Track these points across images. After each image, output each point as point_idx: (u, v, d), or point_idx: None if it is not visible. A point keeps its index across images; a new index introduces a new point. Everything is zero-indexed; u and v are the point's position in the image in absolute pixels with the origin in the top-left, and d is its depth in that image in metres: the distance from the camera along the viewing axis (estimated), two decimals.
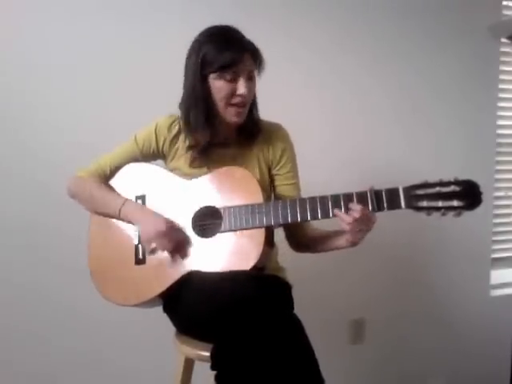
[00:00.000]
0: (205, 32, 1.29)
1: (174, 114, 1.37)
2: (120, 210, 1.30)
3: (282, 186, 1.39)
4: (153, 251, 1.28)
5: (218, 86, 1.26)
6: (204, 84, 1.27)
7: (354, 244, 1.24)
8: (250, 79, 1.28)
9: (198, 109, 1.29)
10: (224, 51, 1.23)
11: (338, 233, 1.28)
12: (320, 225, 1.35)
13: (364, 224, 1.17)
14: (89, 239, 1.37)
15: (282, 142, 1.39)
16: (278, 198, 1.40)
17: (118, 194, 1.35)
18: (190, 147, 1.34)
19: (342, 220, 1.18)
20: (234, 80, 1.25)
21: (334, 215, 1.19)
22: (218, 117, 1.31)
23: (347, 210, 1.18)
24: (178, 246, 1.27)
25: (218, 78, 1.25)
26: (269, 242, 1.28)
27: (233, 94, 1.26)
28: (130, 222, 1.32)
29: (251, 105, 1.35)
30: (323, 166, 1.97)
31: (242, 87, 1.25)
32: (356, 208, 1.16)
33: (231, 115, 1.29)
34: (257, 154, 1.37)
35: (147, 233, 1.26)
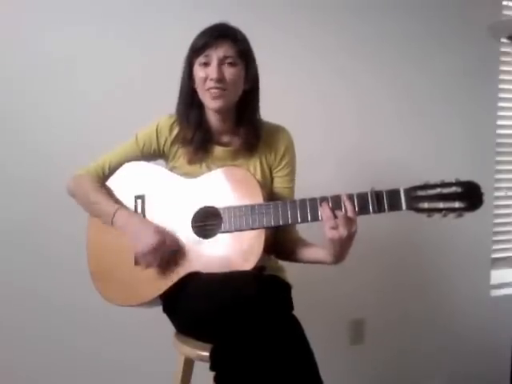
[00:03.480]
0: None
1: (174, 114, 1.37)
2: (112, 222, 1.29)
3: (278, 189, 1.39)
4: (147, 267, 1.26)
5: (196, 71, 1.28)
6: (190, 73, 1.30)
7: (336, 258, 1.22)
8: (230, 65, 1.26)
9: (182, 97, 1.33)
10: (201, 36, 1.27)
11: (321, 245, 1.26)
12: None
13: (340, 224, 1.13)
14: (88, 240, 1.37)
15: (285, 145, 1.38)
16: (272, 199, 1.39)
17: (111, 201, 1.33)
18: (182, 141, 1.34)
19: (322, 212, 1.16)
20: (207, 64, 1.26)
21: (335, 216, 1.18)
22: (206, 108, 1.32)
23: (346, 210, 1.16)
24: (170, 257, 1.26)
25: (196, 62, 1.28)
26: (269, 243, 1.28)
27: (206, 78, 1.26)
28: (121, 231, 1.29)
29: (251, 109, 1.34)
30: (323, 166, 1.97)
31: (212, 71, 1.25)
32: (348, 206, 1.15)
33: (207, 99, 1.28)
34: (259, 155, 1.37)
35: (137, 249, 1.25)
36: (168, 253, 1.25)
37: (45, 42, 1.68)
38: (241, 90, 1.31)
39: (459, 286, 2.26)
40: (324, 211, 1.16)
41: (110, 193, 1.36)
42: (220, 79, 1.25)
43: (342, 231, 1.13)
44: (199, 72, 1.27)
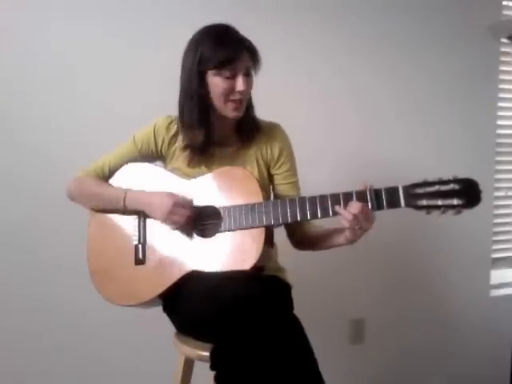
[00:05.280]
0: (202, 30, 1.29)
1: (171, 114, 1.37)
2: (125, 199, 1.30)
3: (281, 186, 1.39)
4: (176, 224, 1.27)
5: (216, 82, 1.27)
6: (201, 81, 1.28)
7: (352, 242, 1.24)
8: (248, 75, 1.29)
9: (193, 105, 1.30)
10: (222, 48, 1.25)
11: (338, 230, 1.28)
12: (320, 222, 1.35)
13: (363, 221, 1.17)
14: (88, 240, 1.37)
15: (280, 141, 1.39)
16: (277, 197, 1.40)
17: (117, 188, 1.35)
18: (186, 146, 1.34)
19: (342, 217, 1.18)
20: (232, 77, 1.26)
21: (334, 214, 1.19)
22: (214, 114, 1.31)
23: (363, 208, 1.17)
24: (191, 214, 1.27)
25: (217, 75, 1.26)
26: (269, 241, 1.29)
27: (231, 90, 1.26)
28: (136, 209, 1.31)
29: (248, 104, 1.35)
30: (323, 165, 1.97)
31: (240, 84, 1.25)
32: (354, 204, 1.16)
33: (230, 110, 1.29)
34: (255, 153, 1.37)
35: (162, 211, 1.26)
36: (188, 208, 1.26)
37: (45, 42, 1.68)
38: None
39: (459, 285, 2.26)
40: (344, 216, 1.17)
41: (112, 185, 1.37)
42: (246, 91, 1.27)
43: (365, 226, 1.17)
44: (221, 83, 1.26)
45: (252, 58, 1.29)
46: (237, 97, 1.27)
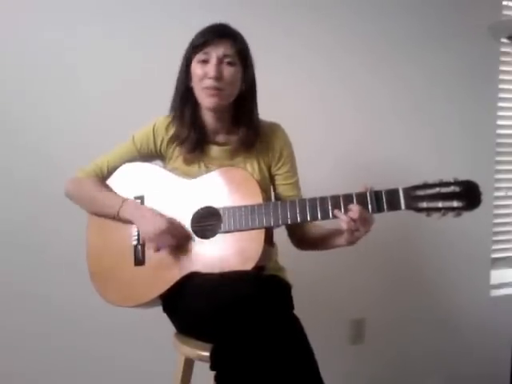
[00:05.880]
0: None
1: (171, 114, 1.37)
2: (118, 212, 1.30)
3: (282, 186, 1.39)
4: (157, 250, 1.26)
5: (193, 67, 1.28)
6: (187, 69, 1.30)
7: (351, 243, 1.24)
8: (228, 64, 1.27)
9: (177, 95, 1.33)
10: (202, 34, 1.28)
11: (338, 231, 1.27)
12: (321, 222, 1.35)
13: (361, 224, 1.17)
14: (87, 241, 1.37)
15: (281, 142, 1.39)
16: (278, 197, 1.40)
17: (116, 194, 1.35)
18: (176, 138, 1.34)
19: (341, 220, 1.18)
20: (206, 62, 1.26)
21: (333, 216, 1.19)
22: (199, 107, 1.32)
23: (346, 210, 1.18)
24: (181, 242, 1.26)
25: (194, 59, 1.28)
26: (269, 240, 1.29)
27: (205, 76, 1.26)
28: (128, 222, 1.31)
29: (248, 109, 1.34)
30: (323, 164, 1.97)
31: (211, 69, 1.24)
32: (354, 208, 1.16)
33: (203, 98, 1.28)
34: (256, 154, 1.37)
35: (147, 232, 1.26)
36: (176, 239, 1.26)
37: (45, 42, 1.68)
38: (237, 90, 1.31)
39: (459, 286, 2.26)
40: (342, 219, 1.17)
41: (111, 189, 1.37)
42: (218, 77, 1.25)
43: (363, 230, 1.17)
44: (197, 69, 1.27)
45: (237, 50, 1.28)
46: (207, 84, 1.25)
